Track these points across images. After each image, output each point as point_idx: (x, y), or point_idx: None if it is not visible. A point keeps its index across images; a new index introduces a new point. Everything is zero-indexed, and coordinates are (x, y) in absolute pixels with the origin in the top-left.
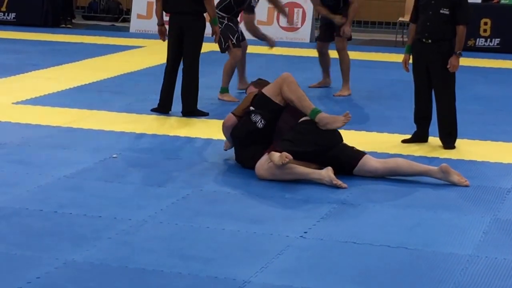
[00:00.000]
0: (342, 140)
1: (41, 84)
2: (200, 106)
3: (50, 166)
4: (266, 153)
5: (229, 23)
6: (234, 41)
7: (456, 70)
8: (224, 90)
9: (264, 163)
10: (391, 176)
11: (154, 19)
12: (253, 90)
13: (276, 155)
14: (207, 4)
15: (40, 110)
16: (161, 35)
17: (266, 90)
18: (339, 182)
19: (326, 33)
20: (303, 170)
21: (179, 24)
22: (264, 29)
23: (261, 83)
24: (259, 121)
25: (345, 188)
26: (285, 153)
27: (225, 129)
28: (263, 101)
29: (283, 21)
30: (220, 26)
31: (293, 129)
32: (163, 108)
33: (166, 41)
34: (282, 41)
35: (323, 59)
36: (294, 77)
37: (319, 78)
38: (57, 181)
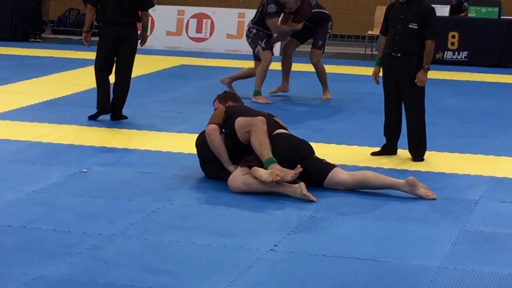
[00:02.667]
0: (313, 153)
1: (10, 99)
2: (172, 120)
3: (19, 181)
4: (240, 167)
5: (258, 32)
6: (263, 44)
7: (424, 84)
8: (257, 93)
9: (238, 175)
10: (360, 189)
11: None
12: (218, 106)
13: (261, 171)
14: (145, 16)
15: (9, 125)
16: (88, 41)
17: (237, 122)
18: (309, 194)
19: (301, 32)
20: (279, 187)
21: (115, 33)
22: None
23: (225, 97)
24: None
25: (314, 201)
26: (276, 171)
27: (212, 131)
28: (231, 130)
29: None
30: (250, 35)
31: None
32: (103, 111)
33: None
34: (251, 55)
35: (286, 60)
36: (263, 90)
37: (289, 91)
38: (26, 196)
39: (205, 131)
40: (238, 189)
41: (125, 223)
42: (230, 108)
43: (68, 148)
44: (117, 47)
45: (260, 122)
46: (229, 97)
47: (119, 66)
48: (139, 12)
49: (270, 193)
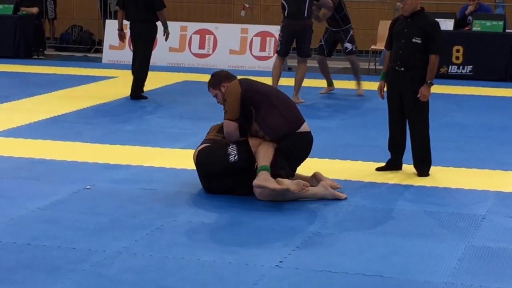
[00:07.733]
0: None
1: (13, 116)
2: (175, 136)
3: (23, 198)
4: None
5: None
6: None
7: (426, 99)
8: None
9: (263, 190)
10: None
11: (127, 50)
12: (215, 92)
13: (287, 183)
14: (160, 15)
15: (13, 142)
16: (121, 38)
17: (251, 140)
18: (338, 194)
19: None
20: (306, 192)
21: (136, 29)
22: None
23: (217, 81)
24: (234, 156)
25: (346, 198)
26: (302, 182)
27: (233, 131)
28: (245, 147)
29: (255, 50)
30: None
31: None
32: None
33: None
34: (255, 70)
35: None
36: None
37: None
38: (30, 213)
39: (223, 128)
40: (267, 199)
41: (130, 240)
42: (247, 91)
43: (72, 165)
44: (137, 40)
45: (271, 144)
46: (222, 79)
47: (137, 56)
48: (156, 12)
49: (275, 209)
